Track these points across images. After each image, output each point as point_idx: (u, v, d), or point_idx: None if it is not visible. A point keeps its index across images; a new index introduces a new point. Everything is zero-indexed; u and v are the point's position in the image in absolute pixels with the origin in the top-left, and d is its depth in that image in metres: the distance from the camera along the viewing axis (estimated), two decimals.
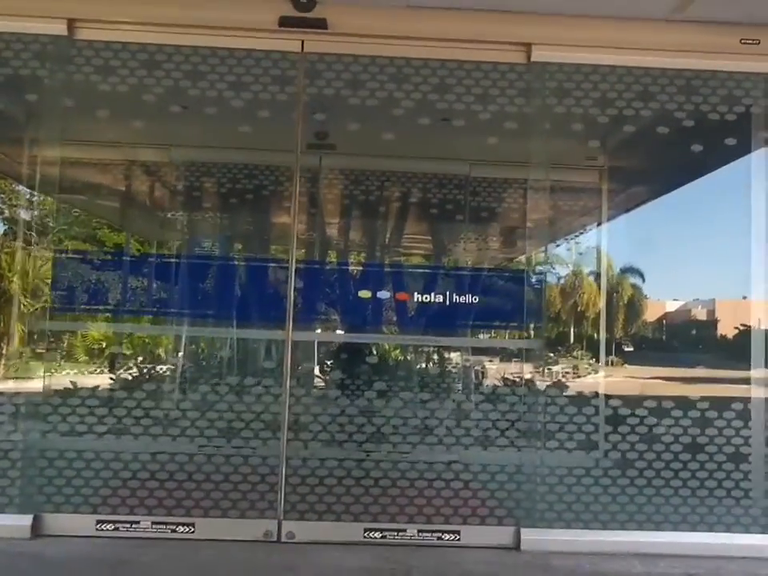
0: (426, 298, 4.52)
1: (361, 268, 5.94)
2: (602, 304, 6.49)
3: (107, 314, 5.36)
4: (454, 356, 7.02)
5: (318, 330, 5.54)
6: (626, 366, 13.22)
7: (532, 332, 4.66)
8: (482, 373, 7.75)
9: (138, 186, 7.45)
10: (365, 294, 4.68)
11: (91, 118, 4.66)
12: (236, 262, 6.47)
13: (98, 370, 8.15)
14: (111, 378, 6.52)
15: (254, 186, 6.38)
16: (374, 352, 5.70)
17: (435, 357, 7.14)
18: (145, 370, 6.50)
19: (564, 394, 4.28)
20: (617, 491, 4.06)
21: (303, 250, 6.54)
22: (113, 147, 6.23)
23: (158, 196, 7.49)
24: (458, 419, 4.22)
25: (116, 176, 7.17)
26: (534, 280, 4.85)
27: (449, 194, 6.68)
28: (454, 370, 6.89)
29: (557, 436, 4.09)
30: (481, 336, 5.56)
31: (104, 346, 8.70)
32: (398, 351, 7.35)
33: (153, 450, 4.06)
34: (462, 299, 4.45)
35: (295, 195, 4.30)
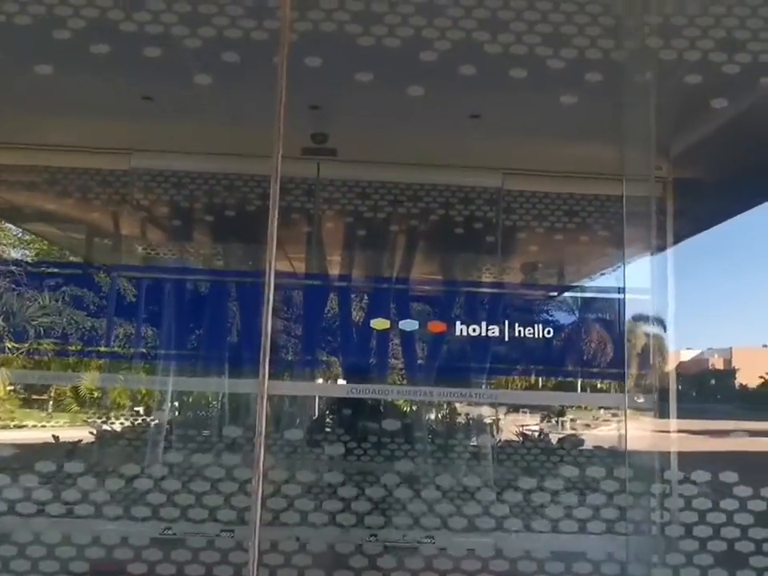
0: (474, 329, 2.87)
1: (373, 286, 3.97)
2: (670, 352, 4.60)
3: None
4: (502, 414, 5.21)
5: (319, 380, 4.11)
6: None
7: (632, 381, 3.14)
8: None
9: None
10: (380, 324, 3.07)
11: None
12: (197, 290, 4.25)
13: None
14: None
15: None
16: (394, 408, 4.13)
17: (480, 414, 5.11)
18: None
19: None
20: None
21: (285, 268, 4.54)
22: None
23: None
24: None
25: None
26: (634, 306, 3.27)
27: (479, 210, 5.10)
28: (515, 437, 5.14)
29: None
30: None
31: None
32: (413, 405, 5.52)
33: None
34: (527, 332, 2.85)
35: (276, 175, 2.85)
